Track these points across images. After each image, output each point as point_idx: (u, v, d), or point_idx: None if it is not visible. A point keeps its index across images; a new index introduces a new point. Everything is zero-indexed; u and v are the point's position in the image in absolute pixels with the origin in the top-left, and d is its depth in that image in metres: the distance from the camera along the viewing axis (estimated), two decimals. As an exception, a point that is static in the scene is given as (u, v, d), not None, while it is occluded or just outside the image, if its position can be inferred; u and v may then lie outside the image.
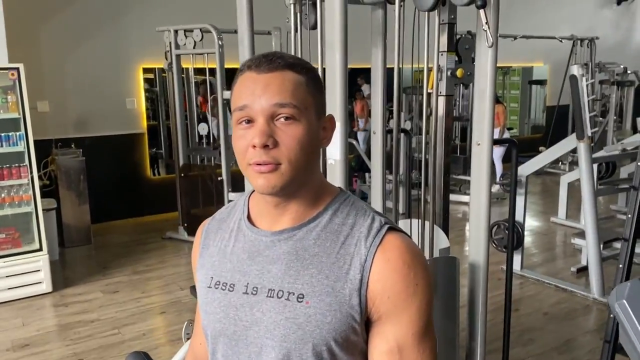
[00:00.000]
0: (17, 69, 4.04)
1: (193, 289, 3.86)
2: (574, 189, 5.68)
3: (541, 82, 10.03)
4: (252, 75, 0.89)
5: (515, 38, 7.58)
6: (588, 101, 4.01)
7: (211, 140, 5.61)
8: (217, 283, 0.97)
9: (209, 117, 5.46)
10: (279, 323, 0.89)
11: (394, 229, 0.92)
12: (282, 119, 0.86)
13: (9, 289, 4.07)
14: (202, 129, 5.43)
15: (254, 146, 0.86)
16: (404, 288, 0.88)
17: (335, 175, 2.01)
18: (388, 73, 2.51)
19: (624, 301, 1.58)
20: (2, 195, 4.17)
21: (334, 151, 1.99)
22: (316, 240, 0.91)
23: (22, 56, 4.48)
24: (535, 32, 8.08)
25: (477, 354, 2.22)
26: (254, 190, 0.96)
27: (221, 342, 0.96)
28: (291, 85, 0.87)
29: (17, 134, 4.11)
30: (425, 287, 0.90)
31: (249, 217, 0.98)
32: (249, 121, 0.87)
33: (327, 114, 0.96)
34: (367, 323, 0.91)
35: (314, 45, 2.33)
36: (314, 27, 2.38)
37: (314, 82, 0.92)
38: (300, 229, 0.92)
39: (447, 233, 2.44)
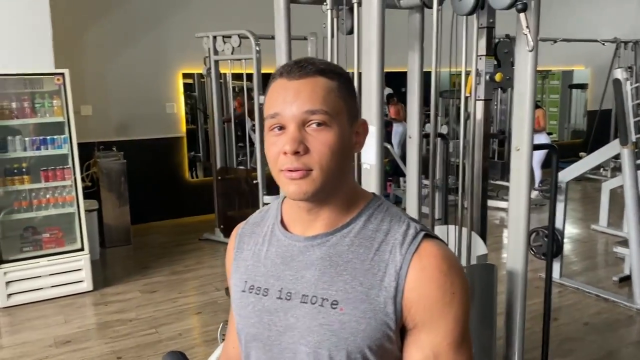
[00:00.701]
0: (63, 74, 4.18)
1: (228, 290, 3.92)
2: (616, 195, 5.51)
3: (582, 86, 9.78)
4: (283, 83, 0.89)
5: (555, 41, 7.41)
6: (632, 106, 3.90)
7: (247, 144, 5.69)
8: (252, 287, 0.97)
9: (247, 121, 5.53)
10: (313, 329, 0.89)
11: (429, 235, 0.92)
12: (314, 125, 0.87)
13: (52, 286, 4.21)
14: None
15: (285, 153, 0.86)
16: (440, 297, 0.87)
17: (371, 180, 2.01)
18: (424, 77, 2.50)
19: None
20: (47, 196, 4.32)
21: (370, 156, 1.99)
22: (350, 246, 0.91)
23: (67, 62, 4.64)
24: (576, 35, 7.89)
25: (515, 363, 2.18)
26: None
27: (255, 347, 0.97)
28: (322, 91, 0.88)
29: (62, 137, 4.25)
30: (462, 296, 0.89)
31: (282, 222, 0.99)
32: (281, 128, 0.88)
33: (359, 119, 0.96)
34: (402, 331, 0.90)
35: (350, 50, 2.33)
36: (351, 32, 2.38)
37: (346, 87, 0.92)
38: (334, 235, 0.92)
39: (484, 240, 2.41)
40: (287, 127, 0.87)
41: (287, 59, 2.40)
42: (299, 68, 0.89)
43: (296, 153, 0.86)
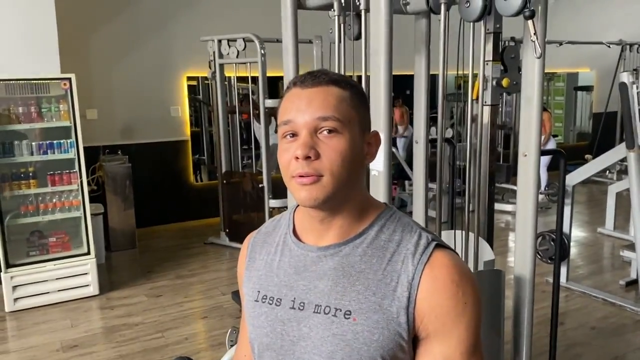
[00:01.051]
0: (69, 79, 4.19)
1: (234, 294, 3.91)
2: (623, 199, 5.48)
3: (587, 89, 9.75)
4: (297, 91, 0.91)
5: (560, 44, 7.40)
6: (639, 109, 3.88)
7: (253, 146, 5.69)
8: (264, 297, 0.98)
9: (252, 124, 5.54)
10: (326, 339, 0.89)
11: (441, 246, 0.92)
12: (325, 132, 0.88)
13: (58, 290, 4.22)
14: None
15: (297, 158, 0.87)
16: (452, 307, 0.87)
17: (379, 187, 2.00)
18: (430, 80, 2.50)
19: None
20: (54, 200, 4.33)
21: (378, 162, 1.99)
22: (362, 256, 0.92)
23: (73, 66, 4.65)
24: (581, 37, 7.87)
25: (523, 369, 2.18)
26: (298, 205, 0.97)
27: (268, 356, 0.98)
28: (334, 99, 0.89)
29: (68, 141, 4.27)
30: (474, 305, 0.89)
31: (294, 232, 0.99)
32: (293, 135, 0.89)
33: (372, 130, 0.97)
34: (414, 341, 0.91)
35: (357, 54, 2.34)
36: (358, 38, 2.39)
37: (358, 98, 0.93)
38: (346, 245, 0.93)
39: (491, 244, 2.40)
40: (299, 133, 0.89)
41: (294, 63, 2.40)
42: (312, 77, 0.91)
43: (307, 158, 0.87)
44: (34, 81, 4.19)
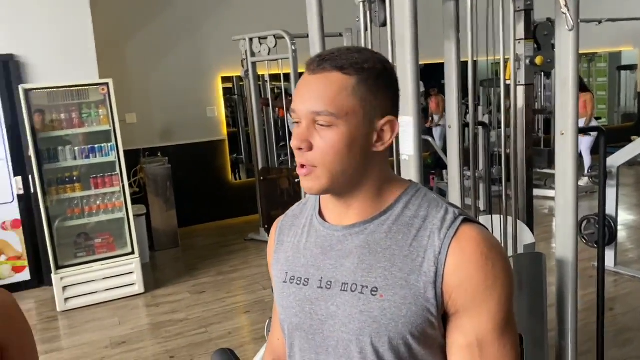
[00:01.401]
0: (107, 84, 4.32)
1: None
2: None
3: (631, 68, 9.38)
4: (304, 78, 0.91)
5: (600, 22, 7.13)
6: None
7: (288, 143, 5.71)
8: (292, 278, 0.98)
9: (287, 120, 5.56)
10: (354, 317, 0.89)
11: (469, 220, 0.90)
12: (320, 124, 0.88)
13: (105, 290, 4.35)
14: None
15: None
16: (482, 280, 0.85)
17: (410, 171, 1.98)
18: (463, 67, 2.45)
19: None
20: (98, 202, 4.47)
21: (407, 147, 1.96)
22: (388, 233, 0.91)
23: (110, 72, 4.79)
24: (622, 14, 7.56)
25: (569, 354, 2.11)
26: None
27: (298, 336, 0.98)
28: (332, 90, 0.87)
29: (109, 145, 4.40)
30: (505, 279, 0.87)
31: (320, 213, 1.00)
32: (299, 123, 0.91)
33: (386, 117, 0.91)
34: (444, 317, 0.89)
35: (385, 43, 2.31)
36: (384, 25, 2.36)
37: (369, 84, 0.88)
38: (371, 222, 0.92)
39: (532, 229, 2.34)
40: (301, 123, 0.90)
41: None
42: (318, 62, 0.89)
43: (299, 149, 0.88)
44: (74, 88, 4.32)
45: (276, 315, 1.09)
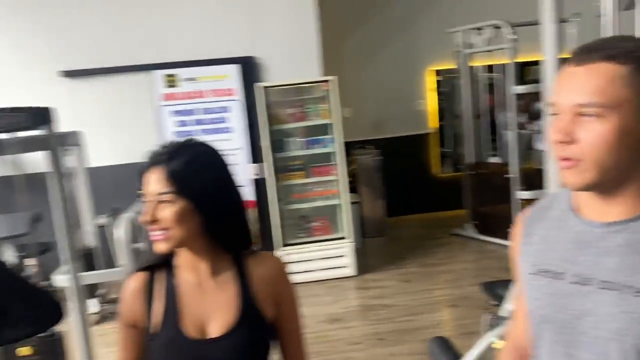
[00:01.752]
0: (331, 81, 4.67)
1: (485, 286, 3.86)
2: None
3: None
4: (566, 70, 0.90)
5: None
6: None
7: (497, 138, 5.53)
8: (541, 270, 0.99)
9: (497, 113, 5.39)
10: (615, 316, 0.87)
11: None
12: (586, 116, 0.85)
13: (321, 269, 4.74)
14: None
15: None
16: None
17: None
18: None
19: None
20: (316, 189, 4.88)
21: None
22: None
23: (330, 69, 5.15)
24: None
25: None
26: None
27: (547, 329, 0.99)
28: (602, 80, 0.84)
29: (328, 137, 4.77)
30: None
31: (574, 207, 0.98)
32: (557, 115, 0.89)
33: None
34: None
35: (627, 28, 2.12)
36: (629, 7, 2.16)
37: None
38: (635, 221, 0.89)
39: None
40: (561, 116, 0.88)
41: (555, 44, 2.29)
42: (586, 52, 0.88)
43: (561, 143, 0.86)
44: (302, 85, 4.76)
45: (519, 305, 1.11)
